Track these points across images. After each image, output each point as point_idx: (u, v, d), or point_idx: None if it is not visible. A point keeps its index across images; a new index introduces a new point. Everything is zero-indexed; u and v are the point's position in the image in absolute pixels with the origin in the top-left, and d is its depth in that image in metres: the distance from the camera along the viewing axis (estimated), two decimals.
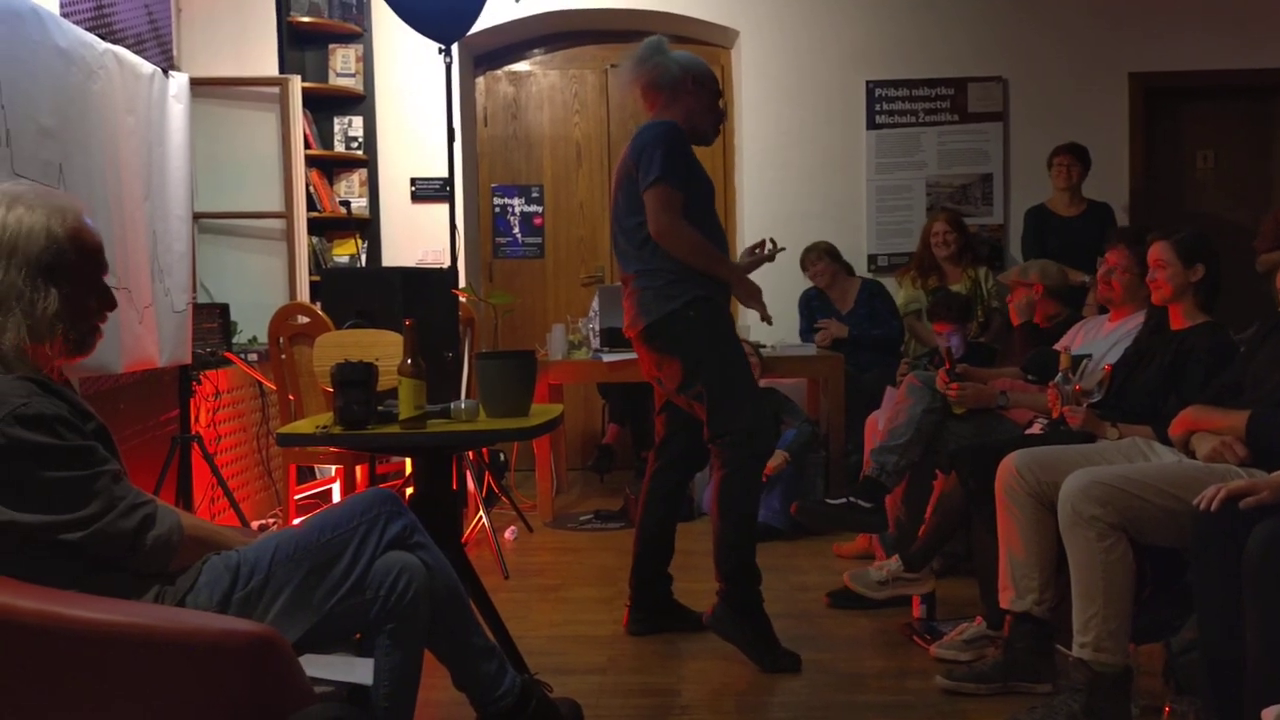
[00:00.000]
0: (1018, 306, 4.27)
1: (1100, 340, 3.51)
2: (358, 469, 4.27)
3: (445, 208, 5.01)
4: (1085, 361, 3.35)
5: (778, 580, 3.97)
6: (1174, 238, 2.99)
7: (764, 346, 5.05)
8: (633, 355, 3.46)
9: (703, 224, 3.13)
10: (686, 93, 3.21)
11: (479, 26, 5.02)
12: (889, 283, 5.63)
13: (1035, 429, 3.44)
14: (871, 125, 5.98)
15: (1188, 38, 5.86)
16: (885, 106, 5.97)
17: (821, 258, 5.49)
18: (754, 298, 3.26)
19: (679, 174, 3.06)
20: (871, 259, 5.98)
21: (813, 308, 5.54)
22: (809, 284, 5.63)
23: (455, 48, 4.77)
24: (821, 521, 3.73)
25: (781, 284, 5.80)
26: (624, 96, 3.42)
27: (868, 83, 5.97)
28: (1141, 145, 5.96)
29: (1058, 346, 3.61)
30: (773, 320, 3.33)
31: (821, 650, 3.20)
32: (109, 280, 1.95)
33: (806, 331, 5.53)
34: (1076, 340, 3.64)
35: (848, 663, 3.10)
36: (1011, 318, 4.35)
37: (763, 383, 4.92)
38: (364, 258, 5.85)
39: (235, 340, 4.81)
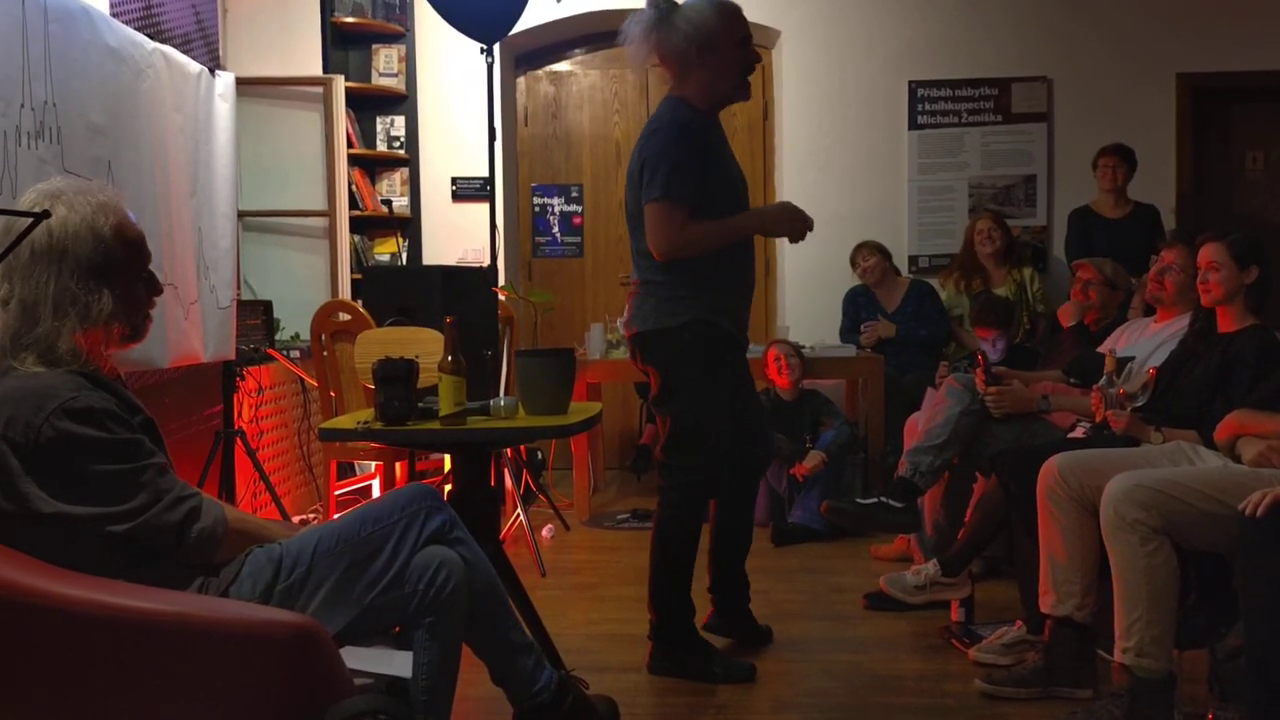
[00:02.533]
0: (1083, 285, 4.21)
1: (1144, 342, 3.46)
2: (397, 465, 4.30)
3: (485, 207, 5.05)
4: (1129, 364, 3.31)
5: (814, 582, 3.96)
6: (1228, 239, 2.94)
7: (804, 347, 5.04)
8: None
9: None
10: (694, 66, 2.91)
11: (520, 27, 5.06)
12: (931, 284, 5.59)
13: (1078, 433, 3.40)
14: (914, 125, 5.94)
15: (1236, 38, 5.77)
16: (928, 107, 5.93)
17: (874, 253, 5.49)
18: (787, 219, 3.00)
19: (685, 185, 2.84)
20: (913, 260, 5.94)
21: (858, 305, 5.53)
22: (853, 284, 5.62)
23: (497, 48, 4.82)
24: (852, 521, 3.68)
25: (825, 284, 5.82)
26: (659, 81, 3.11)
27: (910, 83, 5.93)
28: (1189, 146, 5.87)
29: (1102, 349, 3.57)
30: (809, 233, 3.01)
31: (858, 652, 3.18)
32: (153, 268, 1.97)
33: (848, 331, 5.51)
34: (1120, 342, 3.60)
35: (885, 665, 3.09)
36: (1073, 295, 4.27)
37: (803, 384, 4.91)
38: (405, 256, 5.89)
39: (278, 337, 4.86)
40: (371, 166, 5.97)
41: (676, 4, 2.94)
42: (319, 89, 5.51)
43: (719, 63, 2.92)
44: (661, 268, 2.93)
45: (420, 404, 2.66)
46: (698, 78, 2.93)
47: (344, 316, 4.25)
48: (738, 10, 2.97)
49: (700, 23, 2.89)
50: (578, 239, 6.38)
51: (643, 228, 2.93)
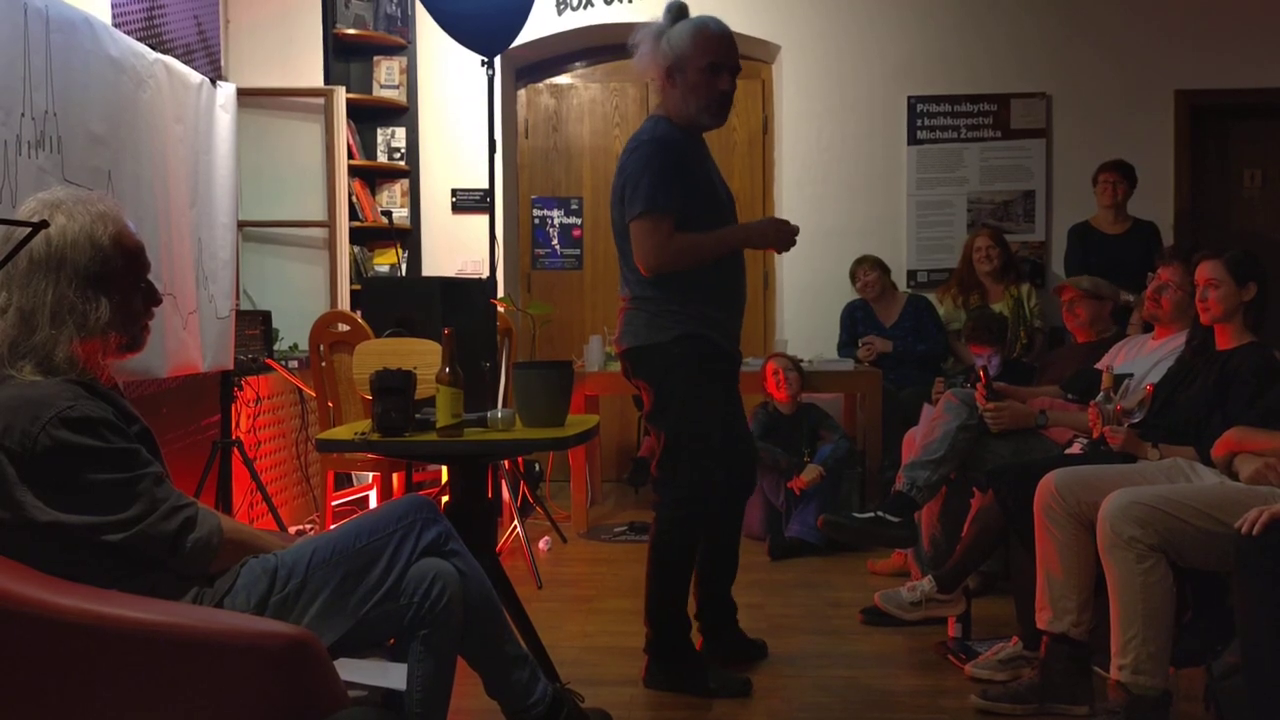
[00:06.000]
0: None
1: (1142, 359, 3.46)
2: (394, 477, 4.30)
3: (485, 219, 5.06)
4: (1127, 381, 3.31)
5: (810, 596, 3.95)
6: (1225, 256, 2.95)
7: (803, 361, 5.04)
8: None
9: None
10: (667, 86, 2.96)
11: (521, 40, 5.08)
12: (929, 299, 5.60)
13: (1075, 449, 3.40)
14: (913, 141, 5.96)
15: (1235, 55, 5.79)
16: (927, 122, 5.95)
17: (874, 269, 5.52)
18: (773, 231, 3.02)
19: (668, 197, 2.85)
20: (911, 275, 5.95)
21: (856, 319, 5.54)
22: (850, 298, 5.64)
23: (498, 60, 4.83)
24: (848, 535, 3.65)
25: (823, 298, 5.83)
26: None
27: (909, 98, 5.95)
28: (1187, 163, 5.88)
29: (1099, 365, 3.57)
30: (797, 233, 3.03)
31: (854, 668, 3.18)
32: (151, 278, 1.97)
33: (846, 345, 5.52)
34: (1118, 359, 3.60)
35: (881, 680, 3.08)
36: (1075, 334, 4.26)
37: (801, 397, 4.91)
38: (404, 267, 5.90)
39: (276, 347, 4.87)
40: (372, 178, 5.98)
41: (680, 18, 2.96)
42: (320, 100, 5.52)
43: (685, 85, 2.93)
44: (652, 283, 2.94)
45: (418, 415, 2.66)
46: (670, 97, 2.97)
47: (343, 327, 4.25)
48: (716, 36, 2.94)
49: (676, 44, 2.92)
50: (577, 251, 6.39)
51: (630, 244, 2.94)
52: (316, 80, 5.65)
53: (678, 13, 2.97)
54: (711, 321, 2.97)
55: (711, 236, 2.93)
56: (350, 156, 5.67)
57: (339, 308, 5.30)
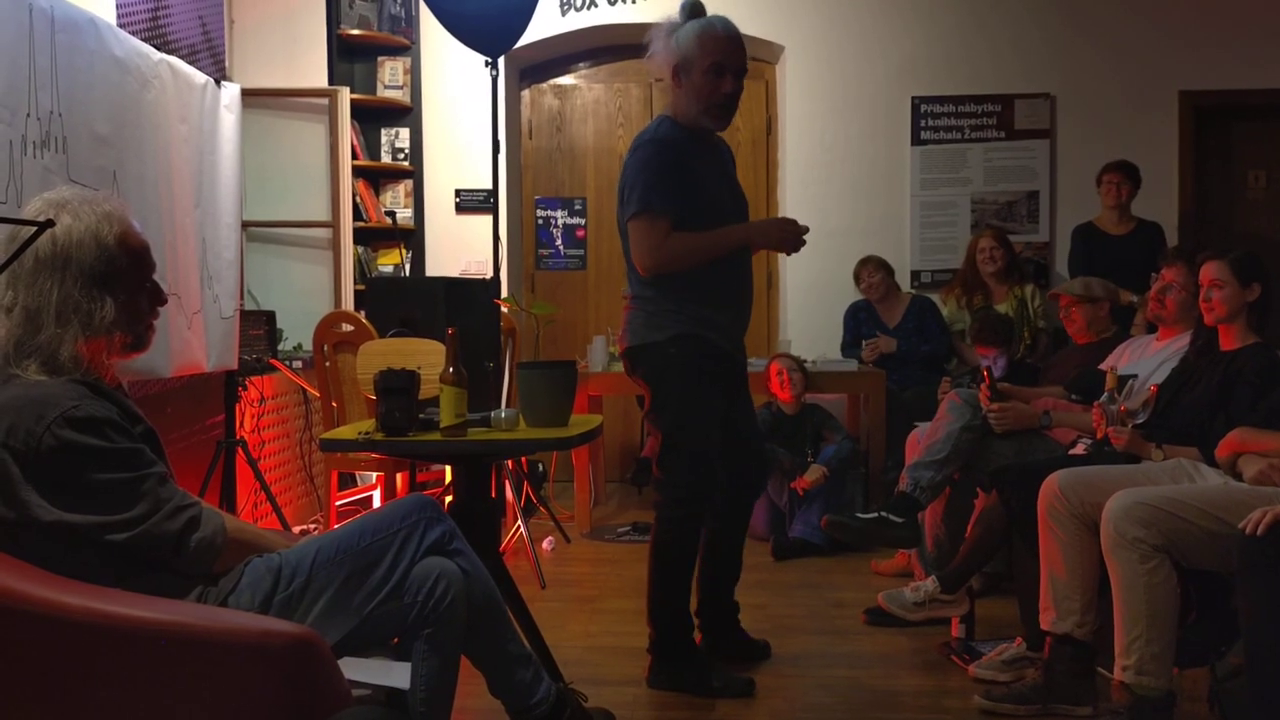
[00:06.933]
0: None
1: (1146, 360, 3.46)
2: (398, 476, 4.30)
3: (489, 219, 5.07)
4: (1131, 381, 3.31)
5: (814, 596, 3.95)
6: (1228, 257, 2.95)
7: (807, 361, 5.04)
8: None
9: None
10: (673, 86, 2.97)
11: (525, 40, 5.08)
12: (933, 300, 5.60)
13: (1079, 449, 3.40)
14: (917, 141, 5.95)
15: (1239, 56, 5.78)
16: (931, 123, 5.95)
17: (878, 270, 5.52)
18: (782, 230, 3.00)
19: (664, 197, 2.86)
20: (915, 275, 5.95)
21: (859, 320, 5.55)
22: (854, 299, 5.64)
23: (501, 61, 4.84)
24: (852, 536, 3.66)
25: (826, 298, 5.83)
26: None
27: (913, 98, 5.95)
28: (1191, 164, 5.88)
29: (1103, 366, 3.57)
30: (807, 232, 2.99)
31: (857, 668, 3.18)
32: (156, 278, 1.97)
33: (850, 346, 5.52)
34: (1122, 359, 3.60)
35: (884, 680, 3.08)
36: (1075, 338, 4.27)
37: (805, 398, 4.91)
38: (408, 267, 5.90)
39: (280, 347, 4.87)
40: (376, 178, 5.98)
41: (694, 17, 2.95)
42: (324, 100, 5.53)
43: (690, 86, 2.92)
44: (650, 283, 2.95)
45: (421, 415, 2.66)
46: (677, 97, 2.98)
47: (346, 327, 4.25)
48: (722, 37, 2.92)
49: (684, 43, 2.92)
50: (580, 251, 6.39)
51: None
52: (321, 81, 5.66)
53: (691, 11, 2.97)
54: (710, 322, 2.97)
55: (709, 236, 2.93)
56: (354, 157, 5.68)
57: (343, 308, 5.31)
